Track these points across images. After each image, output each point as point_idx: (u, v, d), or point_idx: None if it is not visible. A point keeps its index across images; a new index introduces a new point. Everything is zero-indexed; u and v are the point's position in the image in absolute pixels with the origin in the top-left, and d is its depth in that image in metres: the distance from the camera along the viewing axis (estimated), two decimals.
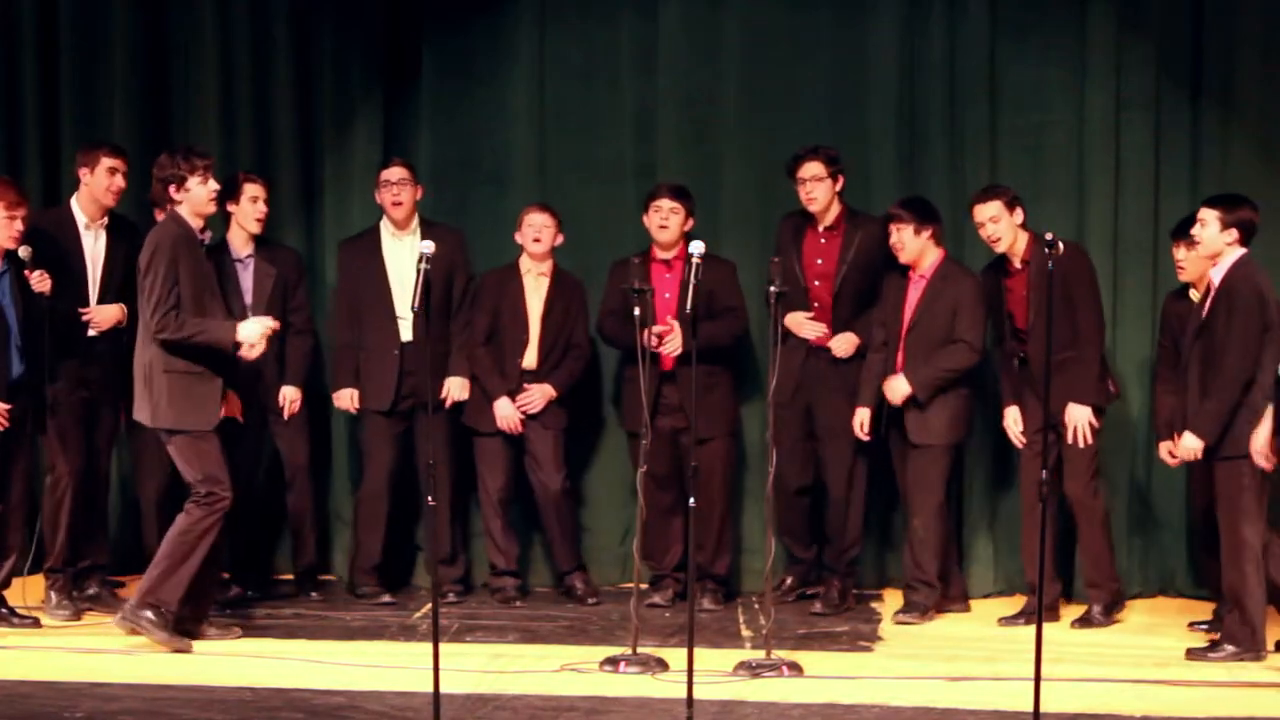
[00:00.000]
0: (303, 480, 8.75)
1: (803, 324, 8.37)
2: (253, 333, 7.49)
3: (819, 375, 8.43)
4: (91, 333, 8.18)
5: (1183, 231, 7.85)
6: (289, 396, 8.59)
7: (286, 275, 8.60)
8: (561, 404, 8.63)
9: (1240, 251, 7.39)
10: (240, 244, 8.53)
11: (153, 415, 7.47)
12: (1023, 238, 8.09)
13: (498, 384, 8.56)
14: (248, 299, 8.48)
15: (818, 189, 8.40)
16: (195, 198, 7.50)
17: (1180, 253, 7.87)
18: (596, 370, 9.03)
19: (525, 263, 8.64)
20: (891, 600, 8.68)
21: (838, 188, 8.46)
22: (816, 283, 8.46)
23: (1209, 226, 7.40)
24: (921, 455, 8.18)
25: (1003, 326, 8.19)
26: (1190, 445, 7.32)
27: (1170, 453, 7.75)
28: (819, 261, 8.47)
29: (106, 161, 8.17)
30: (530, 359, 8.60)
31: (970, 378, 8.31)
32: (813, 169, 8.41)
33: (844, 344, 8.40)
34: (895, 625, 8.15)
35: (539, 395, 8.56)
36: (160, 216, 8.06)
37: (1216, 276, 7.40)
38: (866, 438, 8.30)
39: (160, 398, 7.43)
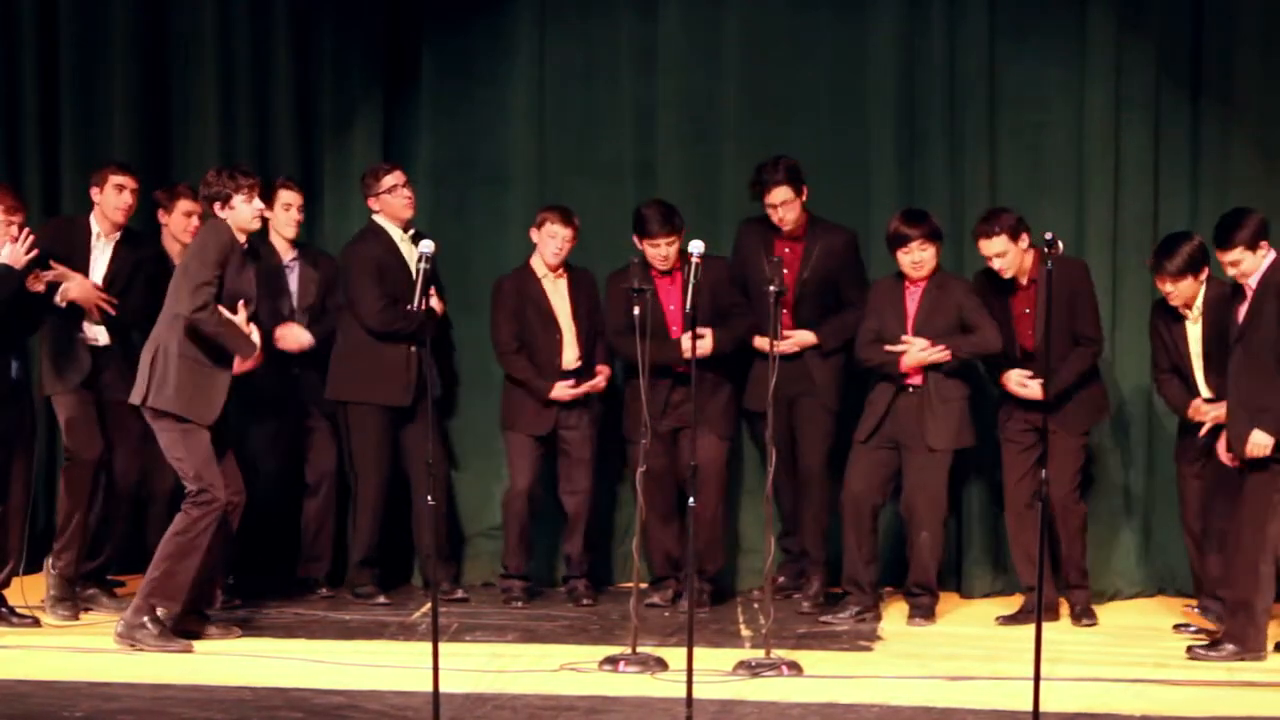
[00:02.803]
0: (329, 486, 8.76)
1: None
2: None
3: (787, 371, 8.40)
4: (101, 342, 8.18)
5: (1161, 264, 7.72)
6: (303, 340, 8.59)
7: (329, 280, 8.71)
8: (598, 404, 8.67)
9: (1273, 255, 7.41)
10: (282, 249, 8.66)
11: (156, 395, 7.43)
12: (1028, 258, 8.09)
13: (542, 383, 8.55)
14: (294, 302, 8.65)
15: (789, 212, 8.42)
16: (240, 216, 7.54)
17: (1167, 285, 7.76)
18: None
19: (539, 265, 8.64)
20: (890, 600, 8.70)
21: (803, 199, 8.47)
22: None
23: (1244, 263, 7.38)
24: (927, 463, 8.18)
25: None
26: (1261, 442, 7.25)
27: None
28: (784, 271, 8.47)
29: (114, 179, 8.20)
30: (570, 358, 8.61)
31: (972, 382, 8.35)
32: (782, 194, 8.39)
33: (801, 339, 8.42)
34: (908, 627, 8.16)
35: (603, 378, 8.61)
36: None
37: (1253, 283, 7.40)
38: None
39: (169, 380, 7.41)
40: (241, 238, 7.60)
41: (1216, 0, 8.75)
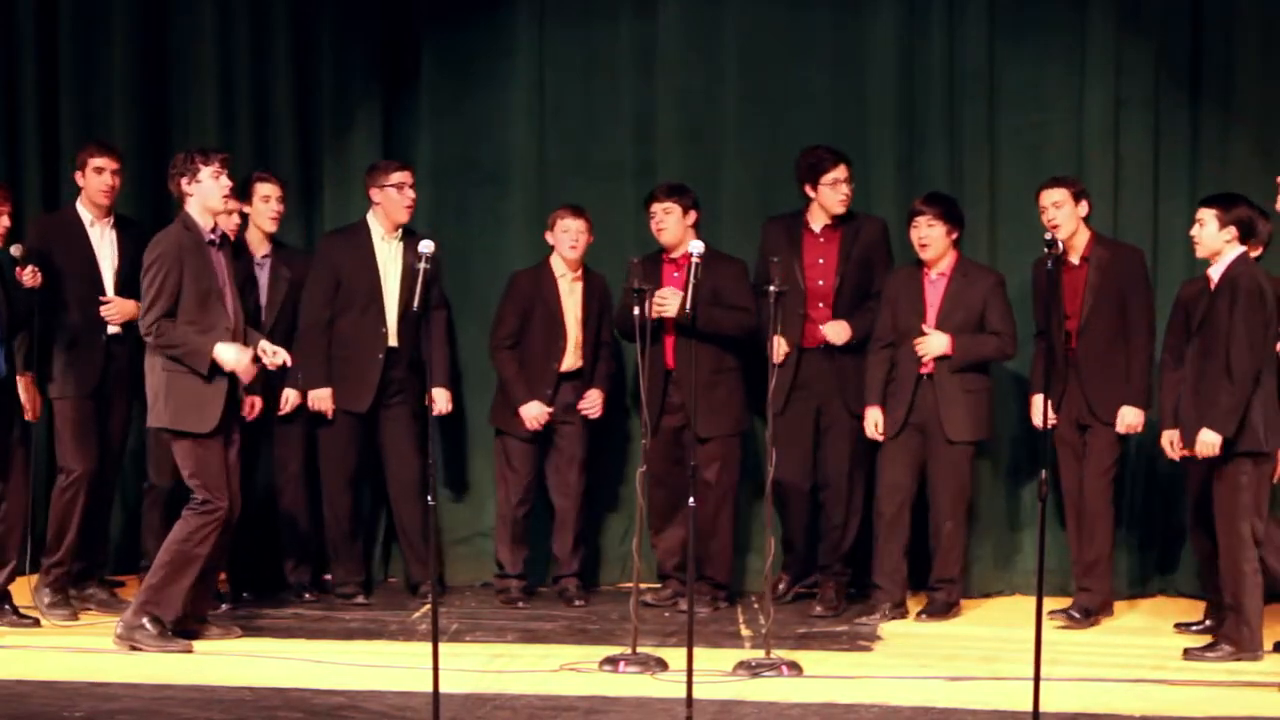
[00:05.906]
0: (296, 485, 8.74)
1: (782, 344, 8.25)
2: (229, 357, 7.40)
3: (819, 372, 8.43)
4: (112, 330, 8.17)
5: (1208, 198, 7.67)
6: (289, 399, 8.59)
7: (302, 279, 8.64)
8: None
9: (1240, 250, 7.40)
10: (257, 244, 8.57)
11: (154, 415, 7.50)
12: (1084, 233, 8.09)
13: (524, 391, 8.52)
14: (263, 299, 8.54)
15: (848, 188, 8.46)
16: (206, 191, 7.47)
17: (1199, 213, 7.66)
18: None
19: (558, 265, 8.61)
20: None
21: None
22: (820, 282, 8.47)
23: (1207, 225, 7.42)
24: (950, 454, 8.20)
25: (1050, 318, 8.11)
26: (1209, 440, 7.28)
27: (1171, 443, 7.76)
28: (820, 261, 8.48)
29: (93, 161, 8.20)
30: (570, 362, 8.59)
31: (991, 375, 8.36)
32: (846, 171, 8.42)
33: (838, 332, 8.39)
34: (907, 627, 8.16)
35: (598, 399, 8.59)
36: None
37: (1216, 274, 7.41)
38: (880, 437, 8.29)
39: (161, 396, 7.45)
40: (208, 221, 7.52)
41: (1216, 0, 8.75)
